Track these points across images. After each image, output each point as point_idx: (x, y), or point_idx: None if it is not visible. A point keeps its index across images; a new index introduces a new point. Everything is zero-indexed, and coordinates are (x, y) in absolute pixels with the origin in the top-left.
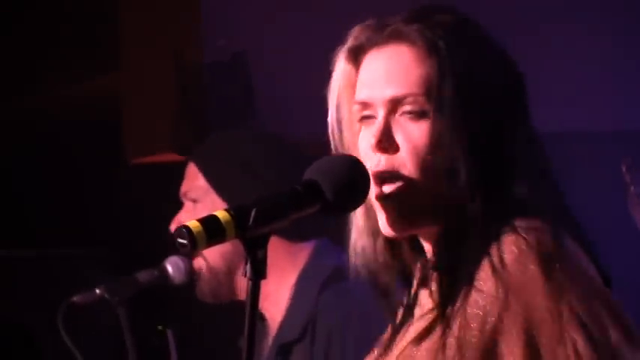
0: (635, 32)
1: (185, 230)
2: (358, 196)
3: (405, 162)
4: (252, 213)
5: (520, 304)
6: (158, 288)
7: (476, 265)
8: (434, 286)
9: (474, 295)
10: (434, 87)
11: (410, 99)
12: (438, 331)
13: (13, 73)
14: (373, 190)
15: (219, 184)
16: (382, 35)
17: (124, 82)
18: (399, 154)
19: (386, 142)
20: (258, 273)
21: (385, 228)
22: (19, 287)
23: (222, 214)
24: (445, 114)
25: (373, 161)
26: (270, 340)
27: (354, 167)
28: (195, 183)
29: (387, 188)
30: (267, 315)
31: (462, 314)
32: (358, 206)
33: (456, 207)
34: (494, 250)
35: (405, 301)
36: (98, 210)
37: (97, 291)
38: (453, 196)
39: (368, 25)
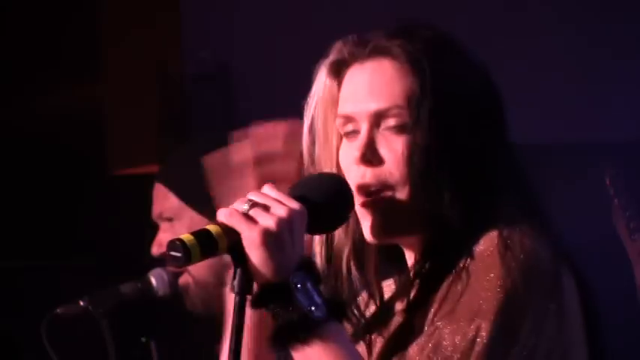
0: (617, 42)
1: (179, 243)
2: (345, 211)
3: (390, 173)
4: None
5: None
6: (142, 300)
7: (456, 272)
8: (412, 293)
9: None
10: (416, 100)
11: (393, 111)
12: (409, 334)
13: None
14: (357, 200)
15: (191, 199)
16: (365, 50)
17: (107, 94)
18: (384, 166)
19: (370, 155)
20: (246, 288)
21: (368, 235)
22: (2, 298)
23: (213, 227)
24: (427, 127)
25: (358, 174)
26: None
27: (341, 184)
28: (166, 203)
29: (373, 197)
30: None
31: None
32: (342, 222)
33: (438, 217)
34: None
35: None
36: (81, 221)
37: (81, 303)
38: (436, 206)
39: (350, 40)
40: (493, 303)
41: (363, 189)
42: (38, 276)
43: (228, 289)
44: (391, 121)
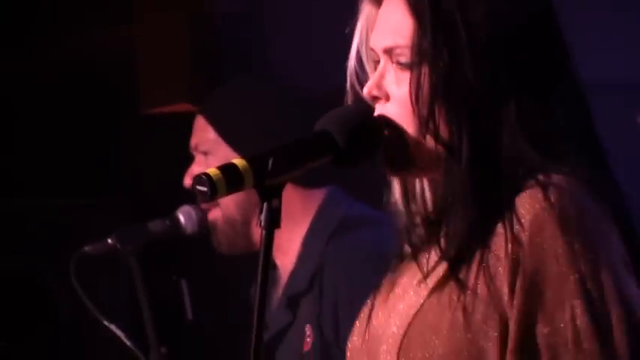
0: None
1: (205, 177)
2: (370, 145)
3: (393, 110)
4: (270, 161)
5: (531, 267)
6: (171, 238)
7: (489, 223)
8: (442, 242)
9: (489, 256)
10: (418, 36)
11: (398, 50)
12: (451, 288)
13: (26, 25)
14: None
15: (229, 135)
16: None
17: (137, 33)
18: (390, 103)
19: (376, 91)
20: (273, 222)
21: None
22: (30, 238)
23: (240, 162)
24: (427, 65)
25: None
26: (280, 289)
27: (364, 116)
28: (205, 135)
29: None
30: (279, 264)
31: (475, 272)
32: (371, 157)
33: (449, 156)
34: (510, 209)
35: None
36: (112, 160)
37: (109, 240)
38: (446, 146)
39: None
40: (572, 282)
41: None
42: (71, 214)
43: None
44: (399, 58)
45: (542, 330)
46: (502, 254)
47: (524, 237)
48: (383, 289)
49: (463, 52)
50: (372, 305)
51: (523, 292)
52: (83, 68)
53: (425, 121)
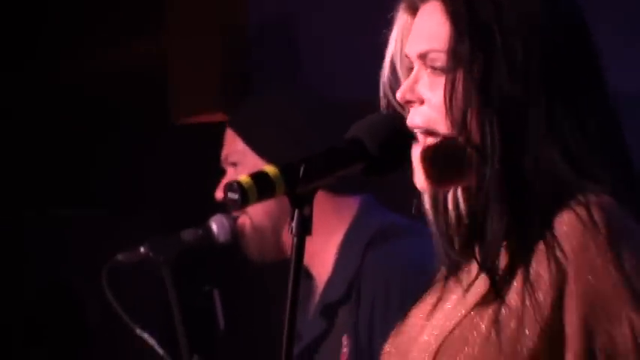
0: None
1: (236, 185)
2: (401, 153)
3: (426, 114)
4: (301, 169)
5: (580, 285)
6: (204, 248)
7: (527, 239)
8: (479, 253)
9: (532, 273)
10: (454, 43)
11: (433, 55)
12: (491, 304)
13: (60, 36)
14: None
15: (257, 146)
16: None
17: (170, 43)
18: (425, 107)
19: (410, 95)
20: (304, 229)
21: (415, 181)
22: (63, 247)
23: (271, 169)
24: (462, 71)
25: (408, 116)
26: (316, 297)
27: (395, 124)
28: (233, 147)
29: (420, 142)
30: (314, 273)
31: (517, 290)
32: (402, 165)
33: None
34: (550, 227)
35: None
36: (145, 171)
37: (142, 250)
38: (481, 155)
39: None
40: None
41: (412, 130)
42: (99, 223)
43: (286, 231)
44: (433, 63)
45: (601, 344)
46: (544, 272)
47: (568, 256)
48: (423, 301)
49: (498, 58)
50: (411, 316)
51: (577, 312)
52: (116, 79)
53: (458, 126)
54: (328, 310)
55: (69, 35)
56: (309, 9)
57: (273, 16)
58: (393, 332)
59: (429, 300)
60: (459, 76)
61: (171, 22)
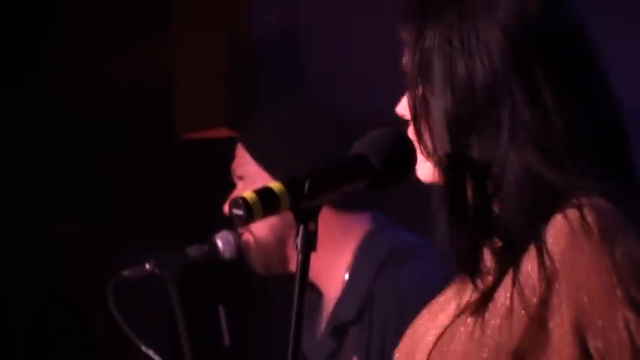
0: None
1: (241, 201)
2: (405, 167)
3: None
4: (307, 184)
5: (571, 285)
6: (209, 263)
7: (519, 242)
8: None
9: (521, 272)
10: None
11: (407, 74)
12: (482, 303)
13: (62, 47)
14: None
15: (267, 162)
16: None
17: (174, 57)
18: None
19: (402, 110)
20: (309, 245)
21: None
22: (69, 261)
23: (276, 185)
24: (417, 88)
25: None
26: (325, 316)
27: (397, 138)
28: (242, 161)
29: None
30: (323, 289)
31: (506, 288)
32: (405, 178)
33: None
34: (541, 229)
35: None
36: (149, 185)
37: (147, 265)
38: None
39: None
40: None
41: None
42: (105, 238)
43: (291, 245)
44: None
45: (595, 344)
46: (533, 272)
47: (559, 256)
48: (434, 302)
49: (478, 60)
50: (419, 318)
51: (567, 313)
52: (120, 92)
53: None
54: (339, 330)
55: (71, 47)
56: (312, 20)
57: (279, 27)
58: (403, 336)
59: (439, 300)
60: (417, 91)
61: (176, 37)
